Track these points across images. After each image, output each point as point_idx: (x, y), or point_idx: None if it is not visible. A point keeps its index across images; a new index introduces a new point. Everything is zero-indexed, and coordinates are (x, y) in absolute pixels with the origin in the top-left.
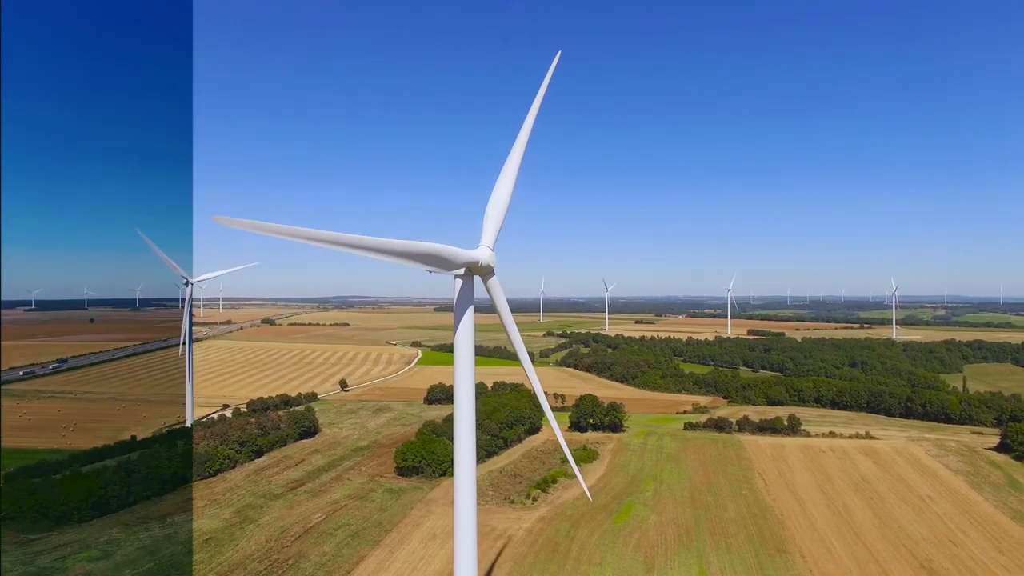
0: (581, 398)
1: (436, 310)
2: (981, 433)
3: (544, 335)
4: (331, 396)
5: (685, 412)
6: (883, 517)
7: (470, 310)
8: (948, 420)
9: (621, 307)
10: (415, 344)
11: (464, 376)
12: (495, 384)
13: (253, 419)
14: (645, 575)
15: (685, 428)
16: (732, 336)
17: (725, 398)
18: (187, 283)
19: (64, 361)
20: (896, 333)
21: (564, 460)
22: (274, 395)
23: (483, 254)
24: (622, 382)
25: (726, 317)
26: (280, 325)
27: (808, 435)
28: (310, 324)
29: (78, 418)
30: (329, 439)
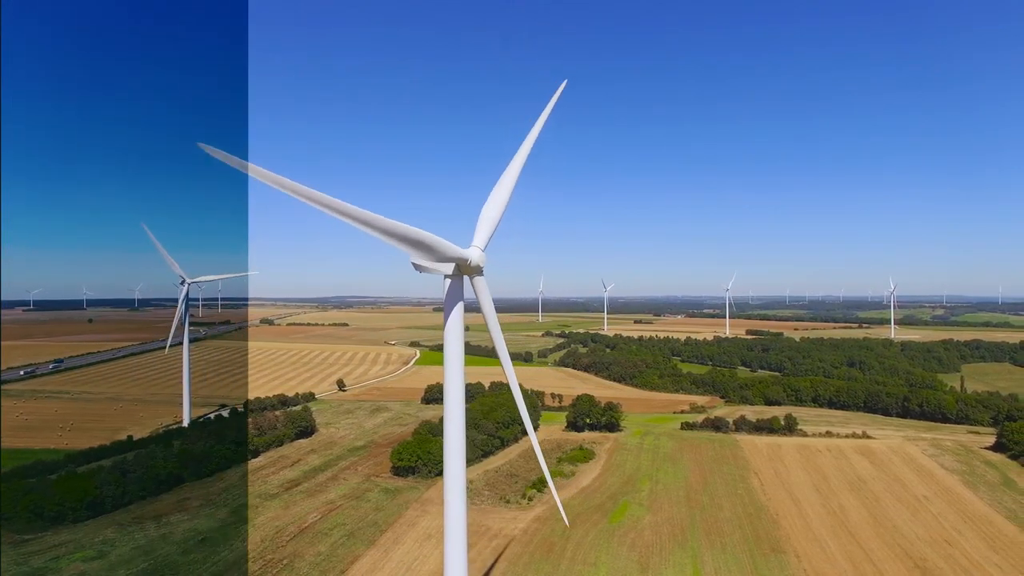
0: (578, 398)
1: (435, 310)
2: (978, 432)
3: (543, 335)
4: (329, 396)
5: (682, 412)
6: (878, 517)
7: (460, 310)
8: (945, 420)
9: (620, 307)
10: (413, 344)
11: (453, 376)
12: (492, 384)
13: (250, 419)
14: (639, 575)
15: (682, 428)
16: (730, 336)
17: (723, 398)
18: (183, 282)
19: (60, 361)
20: (894, 333)
21: (561, 460)
22: (271, 395)
23: (473, 253)
24: (620, 382)
25: (725, 317)
26: (279, 325)
27: (805, 435)
28: (309, 324)
29: (75, 418)
30: (326, 439)
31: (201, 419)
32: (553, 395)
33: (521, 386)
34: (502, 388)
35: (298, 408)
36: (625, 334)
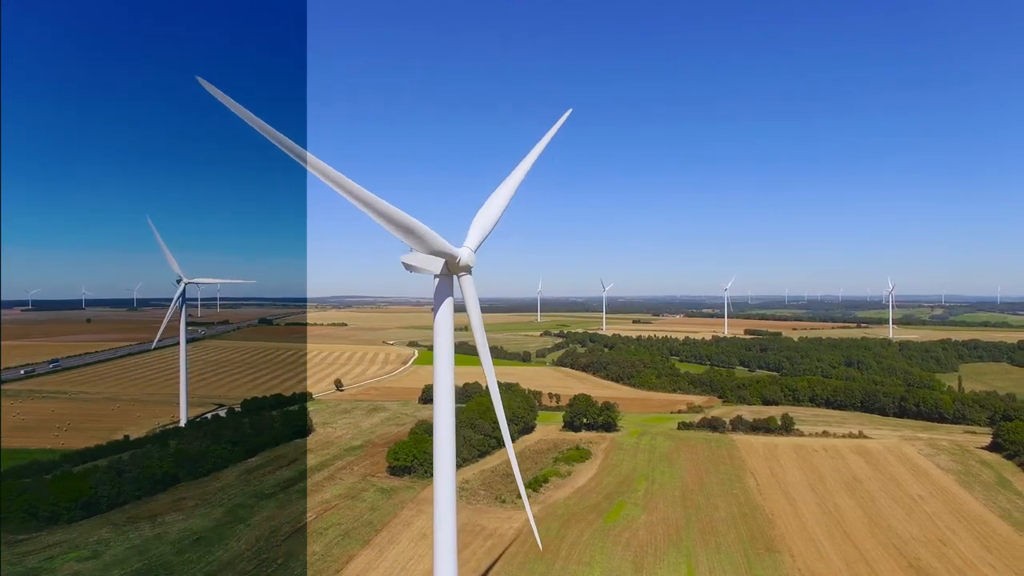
0: (575, 398)
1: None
2: (974, 432)
3: (541, 335)
4: (326, 396)
5: (680, 412)
6: (873, 516)
7: (450, 310)
8: (942, 419)
9: (619, 307)
10: (412, 344)
11: (443, 375)
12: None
13: (247, 419)
14: (634, 574)
15: (679, 428)
16: (729, 336)
17: (720, 398)
18: (179, 281)
19: (56, 361)
20: (892, 333)
21: (557, 459)
22: (269, 395)
23: (463, 252)
24: (618, 382)
25: (723, 317)
26: (277, 325)
27: (801, 434)
28: (307, 324)
29: (72, 418)
30: (322, 439)
31: (198, 419)
32: (551, 395)
33: (517, 386)
34: (499, 388)
35: (295, 408)
36: (624, 334)
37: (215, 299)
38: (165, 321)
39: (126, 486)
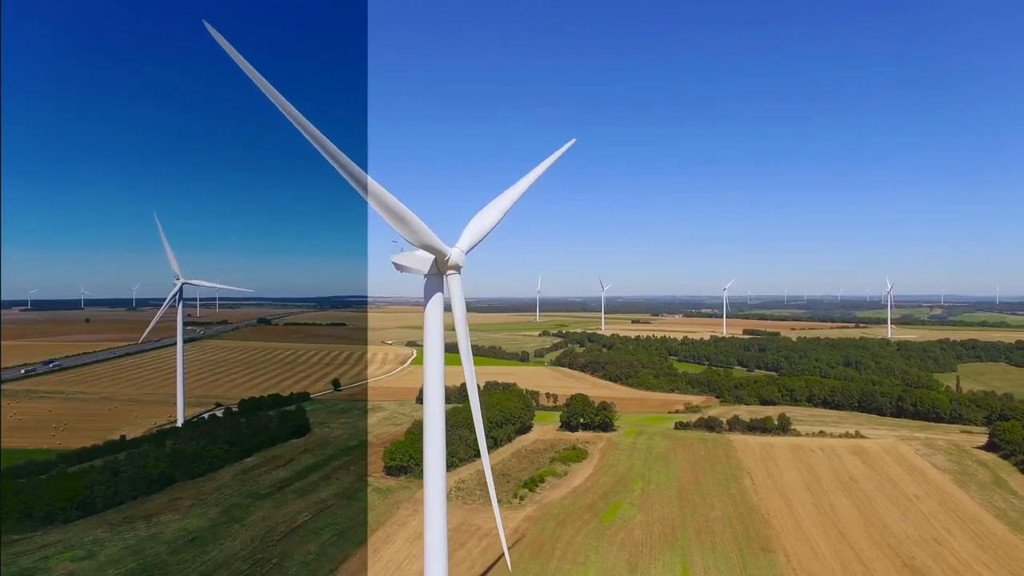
0: (572, 398)
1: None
2: (971, 432)
3: (540, 335)
4: (324, 396)
5: (677, 412)
6: (869, 516)
7: (439, 309)
8: (939, 419)
9: (618, 307)
10: (411, 344)
11: (433, 375)
12: (487, 383)
13: (243, 419)
14: (628, 574)
15: (676, 428)
16: (727, 336)
17: (718, 397)
18: (177, 279)
19: (51, 362)
20: (891, 332)
21: (554, 459)
22: (266, 395)
23: (454, 252)
24: (616, 382)
25: (722, 317)
26: (276, 325)
27: (798, 434)
28: (306, 324)
29: (69, 418)
30: (319, 439)
31: (195, 419)
32: (548, 395)
33: (515, 386)
34: (496, 388)
35: (292, 408)
36: (622, 334)
37: (214, 299)
38: (155, 319)
39: (122, 486)
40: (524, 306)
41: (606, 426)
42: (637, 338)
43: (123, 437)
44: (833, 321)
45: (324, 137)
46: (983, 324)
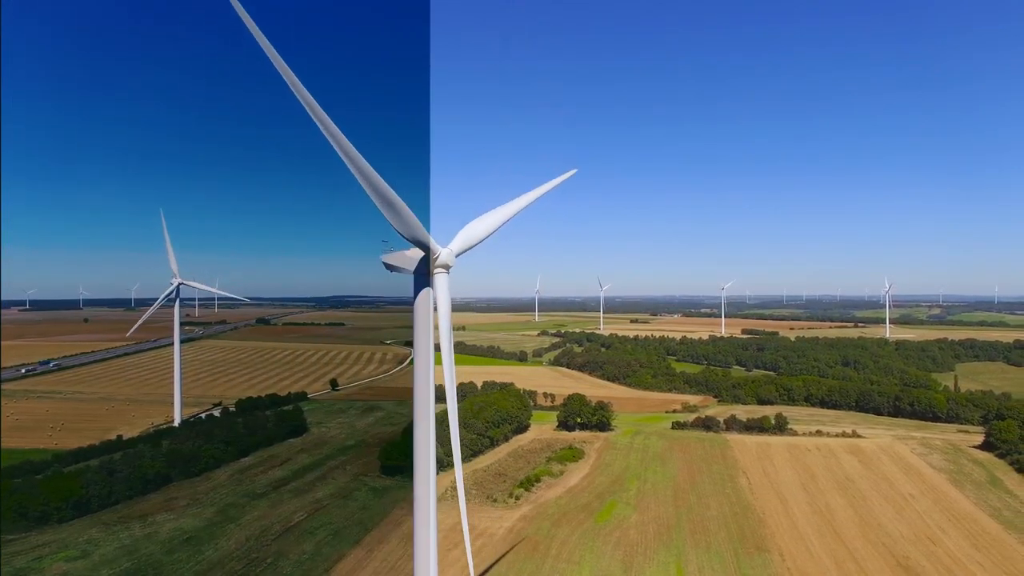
0: (569, 397)
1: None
2: (968, 431)
3: (538, 334)
4: (321, 396)
5: (674, 411)
6: (864, 515)
7: (428, 308)
8: (936, 419)
9: (617, 307)
10: (409, 344)
11: (422, 375)
12: (485, 383)
13: (240, 419)
14: (623, 574)
15: (673, 427)
16: (726, 335)
17: (715, 397)
18: (174, 278)
19: (47, 362)
20: (889, 332)
21: (550, 459)
22: (264, 395)
23: (444, 252)
24: (614, 381)
25: (721, 316)
26: (275, 325)
27: (795, 434)
28: (305, 324)
29: (66, 418)
30: (316, 438)
31: (192, 419)
32: (545, 394)
33: (512, 386)
34: (494, 388)
35: (289, 408)
36: (621, 333)
37: (213, 299)
38: (145, 316)
39: (117, 486)
40: (523, 306)
41: (603, 426)
42: (635, 338)
43: (120, 437)
44: (832, 321)
45: (323, 113)
46: (982, 324)
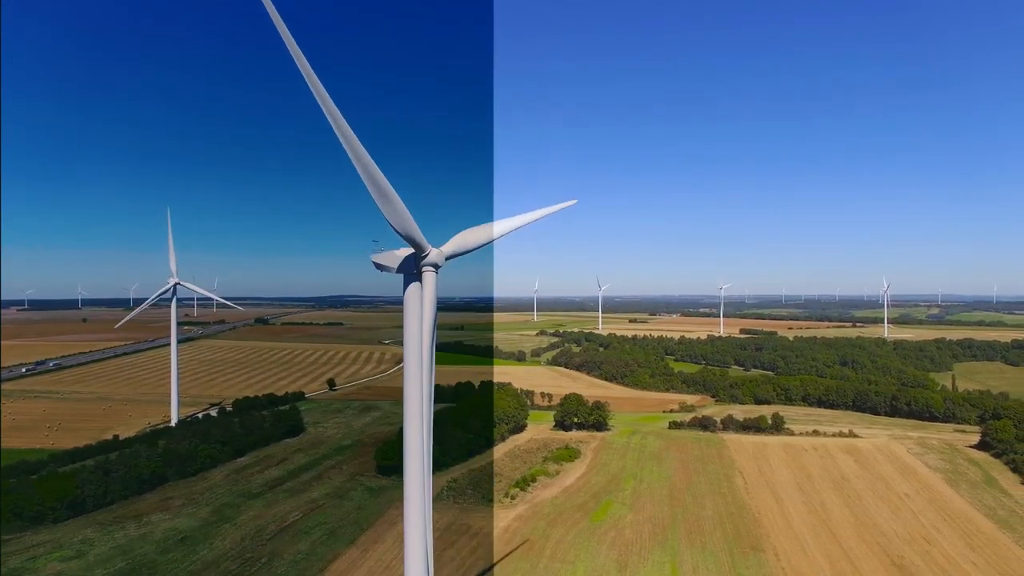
0: (566, 397)
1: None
2: (964, 431)
3: (537, 334)
4: (319, 395)
5: (672, 411)
6: (859, 515)
7: (418, 308)
8: (933, 418)
9: (616, 306)
10: None
11: (413, 376)
12: (483, 383)
13: (237, 418)
14: (617, 573)
15: (670, 427)
16: (724, 335)
17: (713, 397)
18: (171, 278)
19: (44, 362)
20: (888, 332)
21: (546, 459)
22: (262, 395)
23: (434, 251)
24: (611, 381)
25: (719, 316)
26: (273, 325)
27: (792, 434)
28: (304, 324)
29: (63, 418)
30: (313, 438)
31: (189, 418)
32: (543, 394)
33: (510, 385)
34: (493, 388)
35: (286, 407)
36: (619, 333)
37: (212, 299)
38: (135, 312)
39: (113, 486)
40: (522, 305)
41: (600, 425)
42: (634, 337)
43: (116, 437)
44: (830, 320)
45: (327, 94)
46: (980, 323)
